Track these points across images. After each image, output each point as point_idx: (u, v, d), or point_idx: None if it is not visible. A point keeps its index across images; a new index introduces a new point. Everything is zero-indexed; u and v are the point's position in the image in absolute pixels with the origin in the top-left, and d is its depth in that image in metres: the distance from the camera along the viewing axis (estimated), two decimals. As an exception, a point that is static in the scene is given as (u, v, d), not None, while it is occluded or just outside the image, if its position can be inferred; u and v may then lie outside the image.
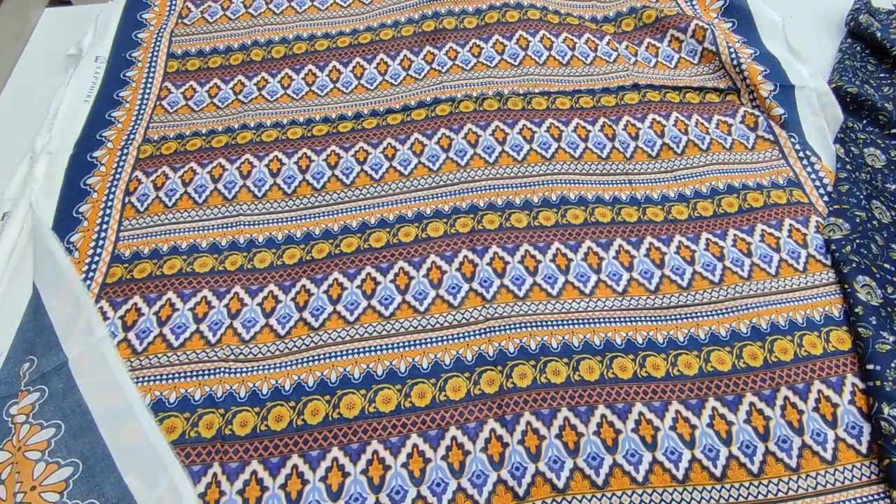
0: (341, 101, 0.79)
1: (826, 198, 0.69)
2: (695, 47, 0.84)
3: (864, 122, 0.79)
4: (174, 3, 0.93)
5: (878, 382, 0.53)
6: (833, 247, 0.63)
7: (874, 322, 0.56)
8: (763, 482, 0.50)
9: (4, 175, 0.74)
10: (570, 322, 0.58)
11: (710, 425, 0.52)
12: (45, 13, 1.00)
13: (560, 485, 0.49)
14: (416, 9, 0.89)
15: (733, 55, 0.80)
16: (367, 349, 0.57)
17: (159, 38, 0.87)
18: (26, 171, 0.74)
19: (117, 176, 0.72)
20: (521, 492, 0.49)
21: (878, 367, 0.53)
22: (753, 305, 0.60)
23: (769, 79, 0.78)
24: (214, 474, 0.50)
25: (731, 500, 0.49)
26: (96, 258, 0.65)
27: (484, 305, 0.59)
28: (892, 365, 0.53)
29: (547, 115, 0.76)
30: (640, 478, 0.50)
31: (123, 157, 0.73)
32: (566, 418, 0.52)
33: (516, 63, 0.82)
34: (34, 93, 0.86)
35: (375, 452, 0.51)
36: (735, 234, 0.66)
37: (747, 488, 0.50)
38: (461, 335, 0.57)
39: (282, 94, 0.80)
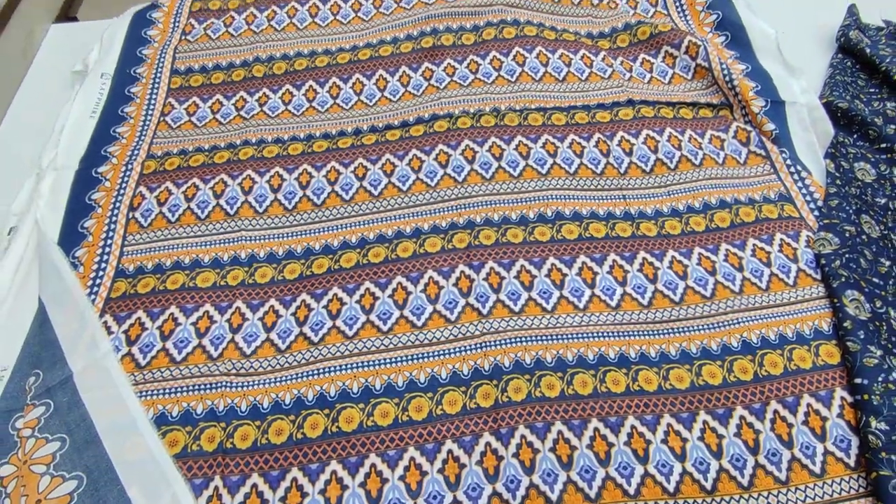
0: (341, 116, 0.81)
1: (816, 212, 0.70)
2: (688, 63, 0.85)
3: (855, 136, 0.80)
4: (178, 19, 0.95)
5: (865, 396, 0.54)
6: (823, 261, 0.65)
7: (862, 336, 0.57)
8: (753, 495, 0.51)
9: (11, 190, 0.75)
10: (564, 336, 0.59)
11: (701, 438, 0.54)
12: (52, 29, 1.02)
13: (553, 497, 0.50)
14: (415, 25, 0.91)
15: (725, 71, 0.81)
16: (365, 363, 0.58)
17: (163, 55, 0.89)
18: (33, 187, 0.75)
19: (122, 191, 0.73)
20: (515, 504, 0.50)
21: (865, 381, 0.54)
22: (744, 320, 0.61)
23: (760, 95, 0.79)
24: (216, 487, 0.52)
25: (722, 512, 0.50)
26: (101, 273, 0.66)
27: (480, 320, 0.60)
28: (880, 379, 0.54)
29: (543, 130, 0.77)
30: (631, 490, 0.51)
31: (128, 173, 0.75)
32: (560, 432, 0.53)
33: (513, 79, 0.83)
34: (41, 109, 0.87)
35: (373, 466, 0.52)
36: (727, 249, 0.67)
37: (737, 501, 0.51)
38: (458, 350, 0.59)
39: (283, 110, 0.82)
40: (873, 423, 0.52)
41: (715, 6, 0.94)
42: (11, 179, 0.77)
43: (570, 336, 0.59)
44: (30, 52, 0.97)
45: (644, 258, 0.66)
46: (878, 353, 0.56)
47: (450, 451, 0.53)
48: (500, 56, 0.86)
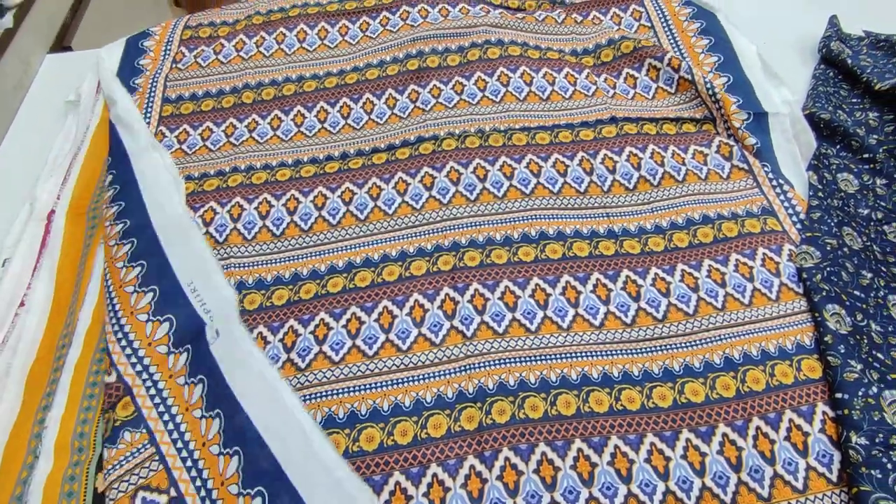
0: (328, 141, 0.82)
1: (799, 225, 0.70)
2: (671, 75, 0.86)
3: (838, 147, 0.81)
4: (169, 48, 0.96)
5: (846, 411, 0.54)
6: (804, 275, 0.65)
7: (842, 351, 0.58)
8: (736, 512, 0.51)
9: (5, 222, 0.77)
10: (547, 357, 0.60)
11: (684, 457, 0.54)
12: (47, 60, 1.04)
13: (538, 519, 0.51)
14: (401, 48, 0.92)
15: (708, 85, 0.82)
16: (351, 389, 0.59)
17: (154, 84, 0.91)
18: (27, 218, 0.77)
19: (114, 221, 0.75)
20: (500, 527, 0.51)
21: (846, 396, 0.55)
22: (727, 336, 0.61)
23: (742, 108, 0.80)
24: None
25: (705, 530, 0.51)
26: (93, 303, 0.67)
27: (464, 343, 0.61)
28: (860, 393, 0.55)
29: (527, 150, 0.78)
30: (615, 511, 0.51)
31: (120, 202, 0.76)
32: (543, 453, 0.54)
33: (497, 100, 0.85)
34: (36, 139, 0.89)
35: (359, 491, 0.53)
36: (710, 265, 0.67)
37: (720, 519, 0.51)
38: (442, 373, 0.59)
39: (271, 136, 0.83)
40: (854, 438, 0.52)
41: (698, 17, 0.95)
42: (5, 210, 0.78)
43: (553, 356, 0.60)
44: (25, 82, 0.99)
45: (627, 276, 0.66)
46: (859, 367, 0.57)
47: (434, 475, 0.53)
48: (485, 76, 0.87)
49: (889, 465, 0.50)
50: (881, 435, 0.52)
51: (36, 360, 0.61)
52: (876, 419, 0.53)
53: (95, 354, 0.60)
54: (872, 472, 0.50)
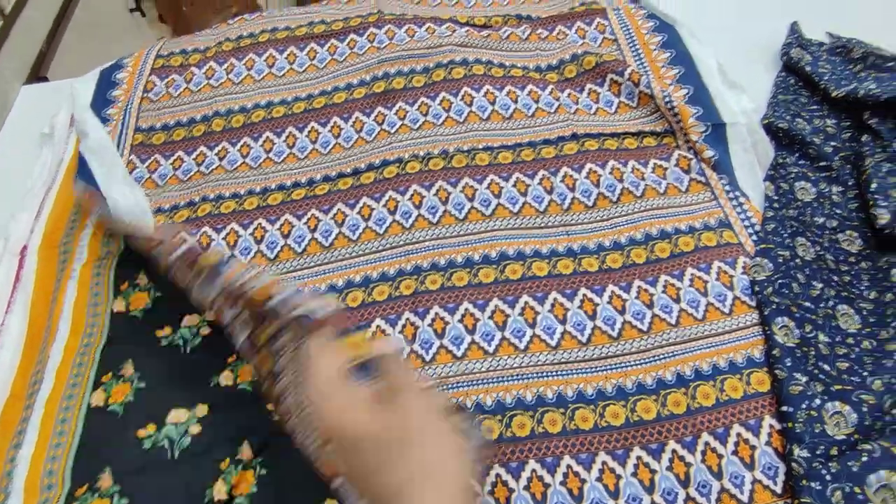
0: (296, 167, 0.84)
1: (755, 237, 0.72)
2: (632, 89, 0.88)
3: (797, 155, 0.82)
4: (140, 78, 0.98)
5: (790, 424, 0.56)
6: (756, 288, 0.67)
7: (789, 364, 0.59)
8: (684, 527, 0.53)
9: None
10: (504, 379, 0.62)
11: (635, 474, 0.56)
12: (23, 91, 1.06)
13: (492, 540, 0.53)
14: (368, 71, 0.94)
15: (667, 98, 0.83)
16: (313, 417, 0.61)
17: (127, 115, 0.93)
18: (1, 250, 0.79)
19: (87, 254, 0.76)
20: (456, 548, 0.52)
21: (790, 409, 0.56)
22: (679, 352, 0.63)
23: (702, 119, 0.82)
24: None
25: (655, 546, 0.52)
26: (67, 337, 0.69)
27: (423, 367, 0.63)
28: (803, 406, 0.56)
29: (489, 171, 0.80)
30: (566, 530, 0.53)
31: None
32: (498, 475, 0.56)
33: (461, 120, 0.86)
34: (13, 171, 0.91)
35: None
36: (666, 280, 0.69)
37: (669, 534, 0.53)
38: (401, 398, 0.61)
39: (241, 163, 0.85)
40: (796, 451, 0.54)
41: (660, 30, 0.97)
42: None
43: (509, 378, 0.62)
44: (2, 114, 1.01)
45: (584, 294, 0.68)
46: (804, 379, 0.58)
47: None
48: (450, 97, 0.89)
49: (828, 477, 0.52)
50: (822, 447, 0.54)
51: (10, 396, 0.63)
52: (818, 431, 0.55)
53: (66, 390, 0.62)
54: (812, 484, 0.52)
